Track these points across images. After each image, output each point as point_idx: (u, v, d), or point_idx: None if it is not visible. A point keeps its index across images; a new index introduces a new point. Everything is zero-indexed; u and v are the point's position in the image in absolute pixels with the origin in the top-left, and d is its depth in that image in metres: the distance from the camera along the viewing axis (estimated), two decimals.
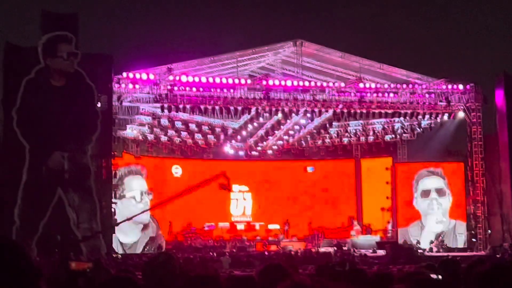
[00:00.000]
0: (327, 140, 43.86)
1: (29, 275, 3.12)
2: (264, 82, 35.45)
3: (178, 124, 39.00)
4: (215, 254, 33.01)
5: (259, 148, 43.25)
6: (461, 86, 37.81)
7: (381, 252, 34.17)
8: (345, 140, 43.51)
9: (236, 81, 35.19)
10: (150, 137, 39.07)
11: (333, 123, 41.76)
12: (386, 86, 37.34)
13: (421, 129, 40.67)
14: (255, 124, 40.36)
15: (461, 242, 38.57)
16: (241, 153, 43.14)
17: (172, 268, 5.68)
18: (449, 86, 37.80)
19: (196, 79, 34.47)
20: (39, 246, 28.56)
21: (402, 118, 39.10)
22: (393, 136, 42.22)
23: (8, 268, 3.08)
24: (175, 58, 36.98)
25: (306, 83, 36.47)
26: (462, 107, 38.13)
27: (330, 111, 38.59)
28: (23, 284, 3.09)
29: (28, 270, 3.13)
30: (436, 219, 38.97)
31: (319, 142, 43.91)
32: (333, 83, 37.05)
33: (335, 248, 35.87)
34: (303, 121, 41.07)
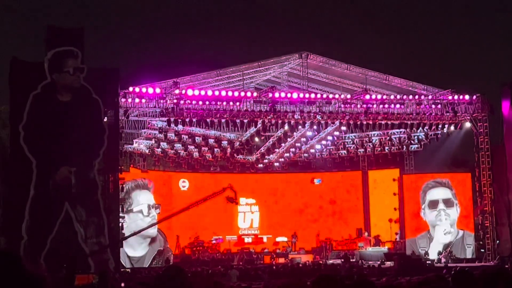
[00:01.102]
0: (334, 152, 43.84)
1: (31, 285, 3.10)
2: (270, 95, 35.46)
3: (185, 138, 39.02)
4: (222, 268, 32.92)
5: (265, 161, 43.22)
6: (467, 97, 37.79)
7: (389, 264, 34.06)
8: (352, 151, 43.47)
9: (242, 94, 35.21)
10: (157, 151, 39.09)
11: (340, 135, 41.80)
12: (392, 97, 37.32)
13: (428, 140, 40.58)
14: (261, 136, 40.35)
15: (469, 252, 38.44)
16: (248, 166, 43.11)
17: (182, 281, 5.67)
18: (455, 97, 37.78)
19: (202, 93, 34.51)
20: (47, 261, 28.55)
21: (408, 129, 39.02)
22: (400, 147, 42.16)
23: (7, 280, 3.05)
24: (181, 72, 37.10)
25: (312, 95, 36.49)
26: (468, 118, 38.09)
27: (337, 123, 38.60)
28: None
29: (29, 281, 3.10)
30: (444, 230, 38.85)
31: (326, 154, 43.88)
32: (339, 95, 37.06)
33: (343, 260, 35.80)
34: (309, 133, 41.08)
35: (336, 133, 41.37)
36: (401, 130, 39.94)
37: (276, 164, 43.68)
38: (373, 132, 41.07)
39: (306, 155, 43.64)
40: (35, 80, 30.13)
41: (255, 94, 35.88)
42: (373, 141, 42.32)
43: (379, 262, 35.31)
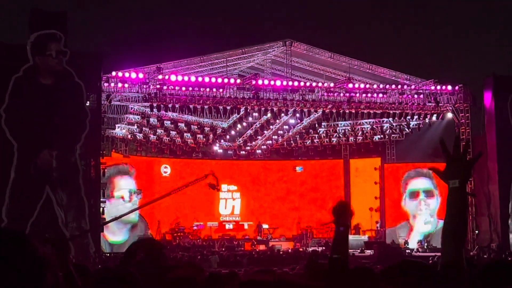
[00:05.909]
0: (316, 140, 43.90)
1: (34, 266, 3.05)
2: (254, 82, 35.45)
3: (167, 124, 38.96)
4: (202, 253, 32.97)
5: (248, 148, 43.26)
6: (449, 87, 37.93)
7: (369, 252, 34.25)
8: (334, 140, 43.57)
9: (226, 80, 35.17)
10: (139, 136, 39.01)
11: (322, 123, 41.86)
12: (375, 86, 37.43)
13: (410, 130, 40.72)
14: (244, 123, 40.38)
15: None
16: (230, 152, 43.14)
17: (154, 254, 5.51)
18: (438, 87, 37.93)
19: (186, 78, 34.44)
20: None
21: (390, 119, 39.18)
22: (382, 136, 42.30)
23: (11, 260, 2.99)
24: (165, 57, 37.00)
25: (296, 83, 36.52)
26: (450, 108, 38.27)
27: (319, 111, 38.68)
28: (29, 275, 3.02)
29: (33, 260, 3.04)
30: (424, 219, 39.08)
31: (308, 142, 43.94)
32: (322, 83, 37.12)
33: (324, 248, 35.93)
34: (292, 121, 41.12)
35: (319, 121, 41.39)
36: (383, 119, 40.06)
37: (258, 151, 43.73)
38: (356, 121, 41.18)
39: (289, 142, 43.71)
40: (17, 63, 29.97)
41: (238, 81, 35.86)
42: (355, 130, 42.45)
43: (359, 251, 35.51)
